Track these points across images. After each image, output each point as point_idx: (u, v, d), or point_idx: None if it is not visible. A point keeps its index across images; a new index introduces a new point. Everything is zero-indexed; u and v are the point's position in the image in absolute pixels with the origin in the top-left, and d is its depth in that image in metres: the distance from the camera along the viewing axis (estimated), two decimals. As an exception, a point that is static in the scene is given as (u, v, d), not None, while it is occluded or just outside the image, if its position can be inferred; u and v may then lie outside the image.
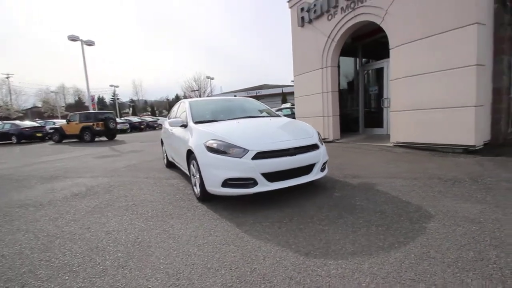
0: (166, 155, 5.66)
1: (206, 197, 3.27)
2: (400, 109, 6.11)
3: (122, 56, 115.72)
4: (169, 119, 5.63)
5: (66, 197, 3.97)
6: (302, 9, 8.50)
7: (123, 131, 22.06)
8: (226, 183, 2.91)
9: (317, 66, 8.30)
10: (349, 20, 7.14)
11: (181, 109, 4.75)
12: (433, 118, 5.45)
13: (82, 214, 3.21)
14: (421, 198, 2.97)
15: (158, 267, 1.97)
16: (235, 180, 2.88)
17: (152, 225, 2.75)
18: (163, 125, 5.97)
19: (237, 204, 3.15)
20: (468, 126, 4.95)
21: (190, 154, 3.57)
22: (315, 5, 7.95)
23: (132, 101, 71.24)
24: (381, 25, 6.38)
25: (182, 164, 4.19)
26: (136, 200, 3.62)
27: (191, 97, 29.92)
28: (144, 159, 7.23)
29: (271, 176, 2.92)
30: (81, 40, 17.88)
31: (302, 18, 8.53)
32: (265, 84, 59.06)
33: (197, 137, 3.40)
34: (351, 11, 7.02)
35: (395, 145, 6.29)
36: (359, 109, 9.02)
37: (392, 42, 6.17)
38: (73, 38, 17.41)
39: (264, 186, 2.89)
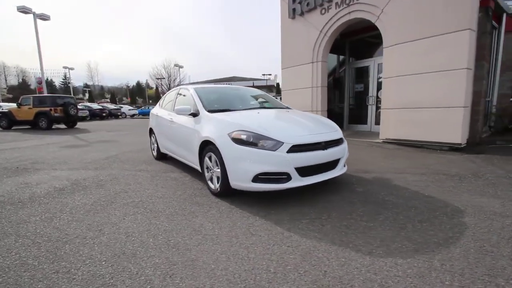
0: (157, 146, 5.18)
1: (227, 193, 3.01)
2: (391, 107, 6.36)
3: (74, 37, 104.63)
4: (161, 106, 5.15)
5: (50, 193, 3.39)
6: (294, 0, 8.37)
7: (82, 119, 20.05)
8: (257, 178, 2.69)
9: (307, 60, 8.28)
10: (343, 16, 7.20)
11: (183, 97, 4.36)
12: (423, 117, 5.76)
13: (82, 213, 2.74)
14: (441, 193, 3.07)
15: (214, 274, 1.71)
16: (268, 174, 2.68)
17: (177, 224, 2.44)
18: (153, 114, 5.43)
19: (260, 200, 2.95)
20: (456, 126, 5.32)
21: (205, 146, 3.26)
22: (308, -3, 7.87)
23: (86, 85, 65.17)
24: (376, 24, 6.54)
25: (188, 156, 3.83)
26: (141, 196, 3.21)
27: (161, 85, 28.26)
28: (123, 150, 6.58)
29: (303, 171, 2.77)
30: (34, 13, 15.61)
31: (294, 9, 8.41)
32: (235, 76, 58.27)
33: (217, 127, 3.10)
34: (345, 7, 7.07)
35: (384, 142, 6.56)
36: (344, 105, 9.26)
37: (386, 41, 6.36)
38: (24, 10, 15.11)
39: (298, 181, 2.73)
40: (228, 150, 2.84)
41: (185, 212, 2.73)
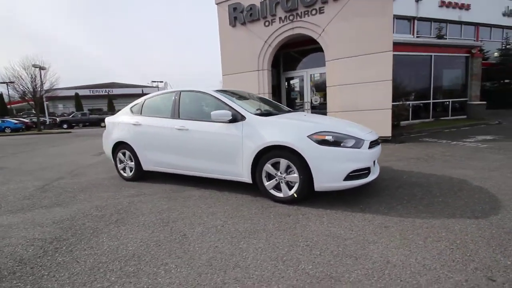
0: (136, 164, 4.19)
1: (305, 197, 2.93)
2: (336, 110, 7.58)
3: None
4: (141, 113, 4.24)
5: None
6: (234, 8, 8.51)
7: None
8: (348, 176, 2.79)
9: (253, 68, 8.60)
10: (287, 30, 7.97)
11: (187, 102, 3.80)
12: (363, 117, 7.17)
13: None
14: (441, 171, 4.03)
15: (425, 267, 1.77)
16: (357, 171, 2.82)
17: (297, 242, 2.23)
18: (123, 123, 4.32)
19: (328, 198, 3.05)
20: (387, 123, 6.99)
21: (264, 153, 3.02)
22: (251, 8, 8.21)
23: None
24: (318, 40, 7.63)
25: (220, 167, 3.39)
26: (215, 225, 2.63)
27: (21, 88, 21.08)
28: (52, 177, 4.88)
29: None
30: None
31: (235, 18, 8.55)
32: (114, 82, 51.23)
33: (290, 130, 2.98)
34: (289, 23, 7.87)
35: (332, 140, 7.71)
36: (281, 110, 10.12)
37: (327, 56, 7.54)
38: None
39: (373, 174, 3.02)
40: (312, 152, 2.79)
41: (285, 227, 2.46)
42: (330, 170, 2.78)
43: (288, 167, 2.94)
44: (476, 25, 16.55)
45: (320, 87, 9.17)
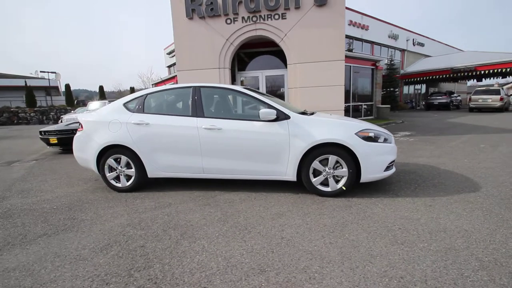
0: (140, 170, 3.58)
1: (349, 189, 3.23)
2: (297, 110, 8.20)
3: None
4: (142, 111, 3.68)
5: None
6: (192, 0, 8.01)
7: None
8: (387, 167, 3.25)
9: (213, 66, 8.31)
10: (249, 30, 8.09)
11: (208, 98, 3.59)
12: (320, 117, 8.08)
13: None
14: (406, 159, 5.09)
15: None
16: (391, 163, 3.32)
17: (391, 228, 2.54)
18: (120, 122, 3.57)
19: (356, 191, 3.49)
20: (340, 122, 8.06)
21: (313, 149, 3.17)
22: (212, 3, 7.92)
23: None
24: (279, 44, 8.07)
25: (261, 167, 3.34)
26: (312, 245, 2.60)
27: None
28: (44, 198, 3.66)
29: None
30: None
31: (193, 10, 8.05)
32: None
33: (338, 128, 3.22)
34: (252, 24, 8.01)
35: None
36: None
37: (289, 59, 8.09)
38: None
39: (393, 167, 3.59)
40: (361, 148, 3.11)
41: (363, 216, 2.73)
42: (375, 163, 3.18)
43: (336, 162, 3.18)
44: (372, 43, 20.72)
45: (274, 89, 9.69)
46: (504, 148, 5.71)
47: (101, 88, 42.39)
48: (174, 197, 3.38)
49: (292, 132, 3.21)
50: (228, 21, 8.11)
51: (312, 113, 4.20)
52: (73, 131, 7.73)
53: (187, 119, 3.46)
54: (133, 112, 3.66)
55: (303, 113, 3.59)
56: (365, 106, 14.90)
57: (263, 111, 3.17)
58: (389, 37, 21.61)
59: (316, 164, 3.21)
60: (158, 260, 2.01)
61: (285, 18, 7.82)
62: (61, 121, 13.19)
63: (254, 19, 7.98)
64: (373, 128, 3.29)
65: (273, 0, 7.66)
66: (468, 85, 35.90)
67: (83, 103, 44.82)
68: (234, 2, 7.84)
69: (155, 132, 3.50)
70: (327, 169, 3.21)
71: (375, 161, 3.17)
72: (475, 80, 26.01)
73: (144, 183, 3.73)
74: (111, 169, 3.69)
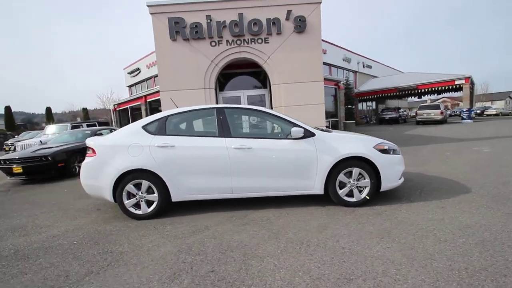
0: (163, 195, 3.45)
1: (371, 198, 3.54)
2: (282, 128, 8.56)
3: None
4: (166, 133, 3.61)
5: None
6: (176, 23, 8.06)
7: None
8: (400, 176, 3.65)
9: (199, 86, 8.33)
10: (233, 53, 8.37)
11: (233, 118, 3.71)
12: (305, 133, 8.55)
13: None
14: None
15: None
16: (402, 172, 3.74)
17: (427, 232, 2.87)
18: (141, 145, 3.42)
19: (373, 200, 3.85)
20: (323, 137, 8.61)
21: (339, 163, 3.44)
22: (196, 26, 8.06)
23: None
24: (263, 66, 8.49)
25: (290, 183, 3.49)
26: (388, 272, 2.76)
27: None
28: (51, 233, 3.23)
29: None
30: None
31: (177, 32, 8.09)
32: None
33: (359, 143, 3.56)
34: (236, 47, 8.32)
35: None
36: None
37: (273, 80, 8.52)
38: None
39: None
40: (381, 160, 3.47)
41: (396, 222, 3.02)
42: (392, 173, 3.55)
43: (359, 174, 3.47)
44: (330, 65, 22.74)
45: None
46: (466, 155, 6.72)
47: (48, 109, 38.58)
48: (207, 220, 3.30)
49: (319, 148, 3.44)
50: (213, 43, 8.30)
51: (323, 129, 4.52)
52: (42, 158, 6.96)
53: (215, 140, 3.48)
54: (154, 134, 3.54)
55: (323, 130, 3.87)
56: (333, 122, 16.07)
57: (295, 129, 3.37)
58: (343, 60, 23.99)
59: (341, 176, 3.46)
60: (241, 282, 1.99)
61: (268, 42, 8.31)
62: (16, 148, 11.70)
63: (239, 42, 8.32)
64: (386, 142, 3.70)
65: (256, 26, 8.12)
66: (408, 101, 41.02)
67: (25, 127, 39.97)
68: (218, 26, 8.11)
69: (181, 154, 3.43)
70: (351, 180, 3.48)
71: (391, 171, 3.55)
72: (416, 97, 29.92)
73: (166, 208, 3.57)
74: (130, 196, 3.46)
